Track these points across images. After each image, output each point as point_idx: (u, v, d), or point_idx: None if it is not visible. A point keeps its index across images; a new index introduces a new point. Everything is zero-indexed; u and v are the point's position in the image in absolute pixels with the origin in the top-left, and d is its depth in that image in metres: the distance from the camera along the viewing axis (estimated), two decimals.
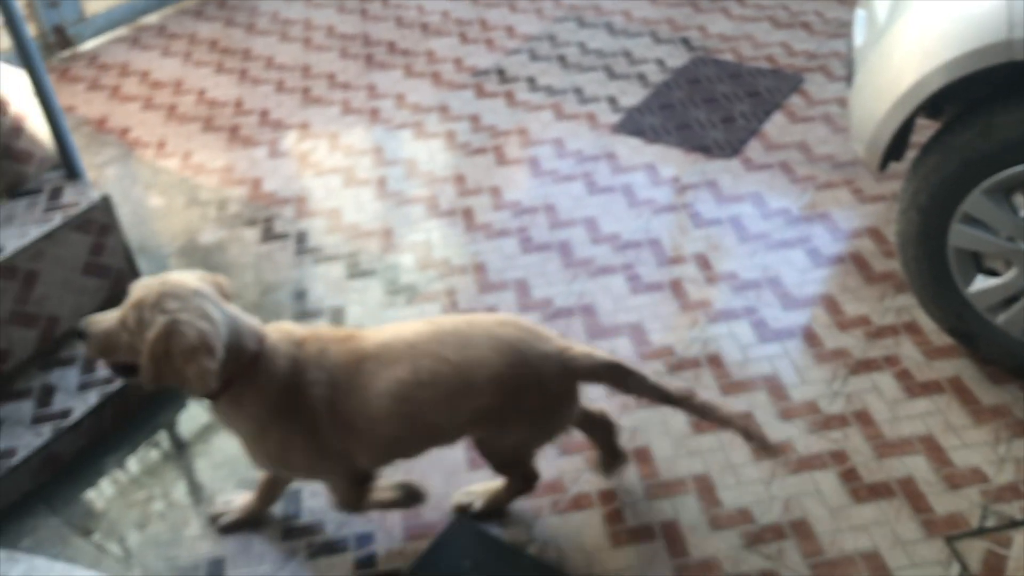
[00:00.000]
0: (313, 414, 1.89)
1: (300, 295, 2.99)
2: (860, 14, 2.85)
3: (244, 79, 4.27)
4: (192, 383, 1.79)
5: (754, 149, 3.52)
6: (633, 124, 3.74)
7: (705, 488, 2.27)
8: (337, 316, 2.89)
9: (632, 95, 3.92)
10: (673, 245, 3.07)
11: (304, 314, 2.91)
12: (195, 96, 4.16)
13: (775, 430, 2.40)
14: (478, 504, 2.23)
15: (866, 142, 2.54)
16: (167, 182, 3.59)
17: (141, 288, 1.84)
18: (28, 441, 2.42)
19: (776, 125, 3.64)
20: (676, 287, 2.90)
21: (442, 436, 2.03)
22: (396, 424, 1.90)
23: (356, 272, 3.07)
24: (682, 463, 2.34)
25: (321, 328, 1.99)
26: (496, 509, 2.24)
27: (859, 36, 2.76)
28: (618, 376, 2.00)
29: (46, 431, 2.44)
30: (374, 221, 3.31)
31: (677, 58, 4.16)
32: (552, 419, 2.02)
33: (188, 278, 1.87)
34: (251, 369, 1.86)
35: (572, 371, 1.96)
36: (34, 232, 2.61)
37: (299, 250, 3.19)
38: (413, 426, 1.93)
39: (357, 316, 2.88)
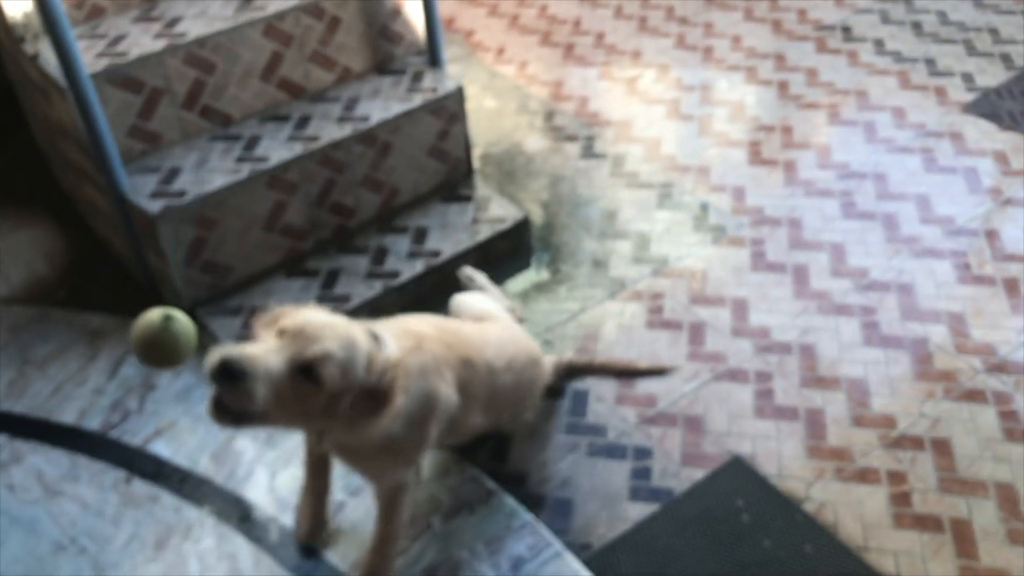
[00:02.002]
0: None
1: (610, 215, 3.08)
2: None
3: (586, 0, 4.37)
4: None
5: None
6: (988, 106, 3.42)
7: (1008, 498, 2.12)
8: (642, 241, 2.95)
9: (992, 75, 3.58)
10: (1014, 241, 2.82)
11: (610, 234, 3.00)
12: (537, 10, 4.33)
13: None
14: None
15: None
16: (502, 87, 3.80)
17: (322, 335, 1.55)
18: (361, 291, 2.72)
19: None
20: (1010, 286, 2.67)
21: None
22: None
23: (666, 203, 3.10)
24: (985, 466, 2.19)
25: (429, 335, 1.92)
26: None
27: None
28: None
29: (377, 286, 2.73)
30: (691, 157, 3.31)
31: None
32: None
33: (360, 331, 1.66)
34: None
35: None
36: (396, 108, 2.87)
37: (614, 172, 3.27)
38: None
39: (661, 246, 2.92)
